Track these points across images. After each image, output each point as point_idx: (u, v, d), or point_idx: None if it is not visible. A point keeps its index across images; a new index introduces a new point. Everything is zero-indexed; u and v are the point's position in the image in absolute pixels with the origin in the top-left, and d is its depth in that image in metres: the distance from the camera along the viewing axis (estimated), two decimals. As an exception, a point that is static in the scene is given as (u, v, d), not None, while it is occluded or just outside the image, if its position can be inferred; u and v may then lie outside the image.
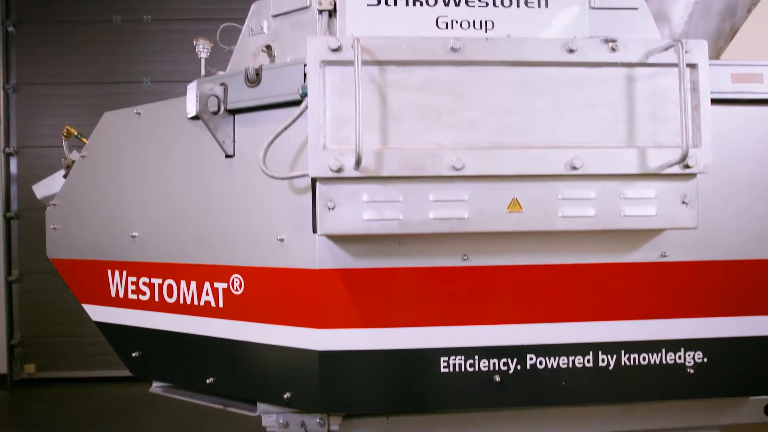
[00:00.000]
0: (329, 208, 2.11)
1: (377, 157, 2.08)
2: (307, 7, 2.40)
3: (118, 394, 6.69)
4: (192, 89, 2.58)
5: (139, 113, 2.84)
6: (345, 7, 2.32)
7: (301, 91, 2.20)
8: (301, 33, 2.42)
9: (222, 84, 2.46)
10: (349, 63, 2.05)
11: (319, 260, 2.31)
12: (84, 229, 3.04)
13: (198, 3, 7.48)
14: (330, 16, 2.35)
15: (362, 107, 2.04)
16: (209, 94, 2.41)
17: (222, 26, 3.21)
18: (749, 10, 2.97)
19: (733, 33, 3.01)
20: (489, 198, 2.15)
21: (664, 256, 2.40)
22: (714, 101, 2.30)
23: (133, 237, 2.82)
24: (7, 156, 7.43)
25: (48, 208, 3.20)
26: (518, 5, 2.37)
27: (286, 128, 2.21)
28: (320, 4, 2.31)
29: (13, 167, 7.47)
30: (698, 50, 2.18)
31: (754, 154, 2.45)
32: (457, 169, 2.09)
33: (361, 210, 2.12)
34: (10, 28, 7.41)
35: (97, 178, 2.98)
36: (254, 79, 2.38)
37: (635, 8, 2.45)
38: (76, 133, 3.48)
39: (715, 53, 3.04)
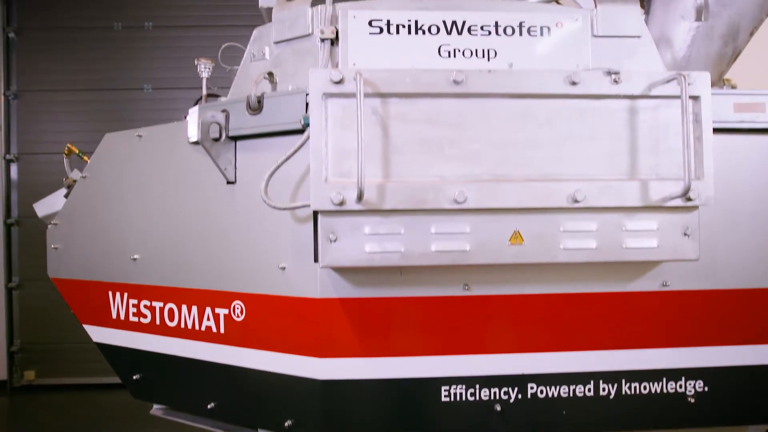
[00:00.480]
0: (331, 241, 2.11)
1: (379, 190, 2.08)
2: (309, 35, 2.39)
3: (118, 401, 6.68)
4: (193, 114, 2.58)
5: (140, 135, 2.84)
6: (347, 36, 2.32)
7: (303, 122, 2.20)
8: (303, 60, 2.42)
9: (224, 110, 2.46)
10: (351, 95, 2.05)
11: (321, 289, 2.31)
12: (85, 249, 3.04)
13: (199, 10, 7.48)
14: (332, 44, 2.34)
15: (364, 140, 2.04)
16: (211, 121, 2.41)
17: (223, 46, 3.20)
18: (751, 34, 2.96)
19: (735, 56, 3.00)
20: (491, 230, 2.14)
21: (666, 285, 2.40)
22: (716, 130, 2.31)
23: (134, 259, 2.82)
24: (8, 162, 7.43)
25: (49, 227, 3.20)
26: (521, 34, 2.36)
27: (287, 159, 2.21)
28: (322, 32, 2.31)
29: (14, 174, 7.47)
30: (701, 82, 2.18)
31: (756, 183, 2.45)
32: (459, 203, 2.08)
33: (363, 242, 2.12)
34: (11, 35, 7.40)
35: (98, 199, 2.98)
36: (256, 106, 2.37)
37: (638, 36, 2.44)
38: (77, 151, 3.48)
39: (717, 76, 3.03)
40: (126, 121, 7.45)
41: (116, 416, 6.32)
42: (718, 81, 3.09)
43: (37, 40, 7.45)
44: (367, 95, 2.08)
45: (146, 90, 7.40)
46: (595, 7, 2.45)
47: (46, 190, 7.34)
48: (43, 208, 3.38)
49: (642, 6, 3.15)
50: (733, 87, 3.57)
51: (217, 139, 2.46)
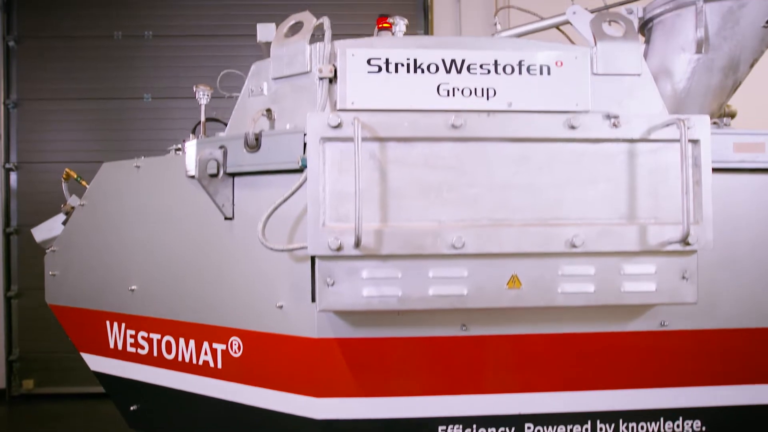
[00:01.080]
0: (328, 284, 2.11)
1: (377, 236, 2.07)
2: (307, 72, 2.38)
3: (117, 411, 6.69)
4: (191, 148, 2.57)
5: (138, 166, 2.83)
6: (346, 74, 2.31)
7: (300, 163, 2.19)
8: (301, 97, 2.41)
9: (221, 147, 2.45)
10: (349, 140, 2.05)
11: (318, 329, 2.30)
12: (83, 277, 3.03)
13: (199, 19, 7.44)
14: (331, 82, 2.33)
15: (362, 185, 2.04)
16: (209, 159, 2.40)
17: (222, 73, 3.19)
18: (752, 65, 2.94)
19: (736, 87, 2.99)
20: (488, 274, 2.14)
21: (664, 325, 2.39)
22: (716, 170, 2.30)
23: (132, 290, 2.82)
24: (7, 171, 7.40)
25: (47, 253, 3.20)
26: (520, 72, 2.35)
27: (285, 200, 2.20)
28: (321, 71, 2.30)
29: (14, 182, 7.45)
30: (700, 126, 2.17)
31: (755, 222, 2.44)
32: (457, 248, 2.08)
33: (360, 286, 2.11)
34: (11, 43, 7.37)
35: (96, 228, 2.97)
36: (254, 144, 2.37)
37: (638, 74, 2.43)
38: (75, 176, 3.47)
39: (718, 107, 3.02)
40: (126, 131, 7.44)
41: (115, 426, 6.32)
42: (718, 111, 3.08)
43: (37, 48, 7.43)
44: (365, 139, 2.07)
45: (146, 99, 7.38)
46: (595, 44, 2.43)
47: (46, 199, 7.37)
48: (41, 233, 3.38)
49: (642, 33, 3.15)
50: (733, 114, 3.58)
51: (215, 175, 2.46)
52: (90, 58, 7.45)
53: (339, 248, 2.05)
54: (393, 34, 3.09)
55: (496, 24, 3.62)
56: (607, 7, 3.41)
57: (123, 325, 2.87)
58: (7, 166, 7.42)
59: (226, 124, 3.03)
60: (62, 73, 7.46)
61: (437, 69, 2.33)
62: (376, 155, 2.10)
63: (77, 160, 7.37)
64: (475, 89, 2.34)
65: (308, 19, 2.44)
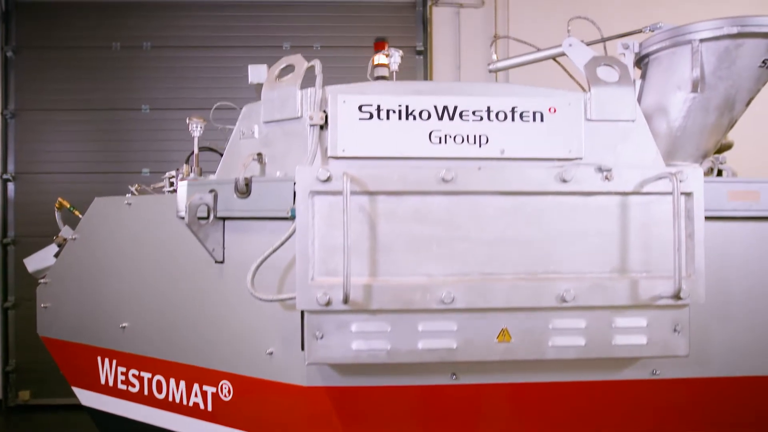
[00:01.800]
0: (317, 338, 2.09)
1: (366, 290, 2.06)
2: (298, 117, 2.36)
3: None
4: (182, 189, 2.55)
5: (129, 204, 2.81)
6: (336, 121, 2.29)
7: (290, 213, 2.17)
8: (292, 141, 2.40)
9: (212, 191, 2.43)
10: (338, 193, 2.03)
11: (308, 377, 2.29)
12: (74, 311, 3.02)
13: (198, 31, 7.43)
14: (322, 128, 2.32)
15: (351, 238, 2.02)
16: (199, 204, 2.38)
17: (215, 105, 3.17)
18: (747, 104, 2.92)
19: (731, 125, 2.97)
20: (478, 328, 2.13)
21: (656, 374, 2.38)
22: (711, 218, 2.29)
23: (123, 327, 2.80)
24: (5, 182, 7.40)
25: (39, 285, 3.19)
26: (513, 119, 2.34)
27: (274, 251, 2.18)
28: (311, 118, 2.28)
29: (11, 193, 7.44)
30: (693, 178, 2.15)
31: (749, 270, 2.43)
32: (447, 303, 2.06)
33: (349, 340, 2.10)
34: (9, 54, 7.36)
35: (88, 263, 2.96)
36: (244, 190, 2.35)
37: (632, 120, 2.41)
38: (68, 206, 3.46)
39: (714, 145, 3.00)
40: (124, 142, 7.43)
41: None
42: (714, 148, 3.07)
43: (35, 59, 7.42)
44: (354, 193, 2.05)
45: (144, 111, 7.37)
46: (589, 89, 2.41)
47: (44, 209, 7.34)
48: (33, 263, 3.37)
49: (638, 66, 3.13)
50: (729, 146, 3.56)
51: (205, 217, 2.44)
52: (88, 68, 7.44)
53: (328, 303, 2.03)
54: (388, 69, 3.09)
55: (492, 54, 3.59)
56: (603, 40, 3.40)
57: (114, 361, 2.85)
58: (5, 176, 7.42)
59: (220, 153, 3.02)
60: (60, 84, 7.46)
61: (429, 116, 2.32)
62: (365, 209, 2.08)
63: (75, 170, 7.38)
64: (468, 136, 2.32)
65: (299, 63, 2.42)
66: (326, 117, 2.31)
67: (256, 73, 2.61)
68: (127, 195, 3.20)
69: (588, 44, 3.30)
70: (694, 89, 2.79)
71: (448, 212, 2.11)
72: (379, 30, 7.36)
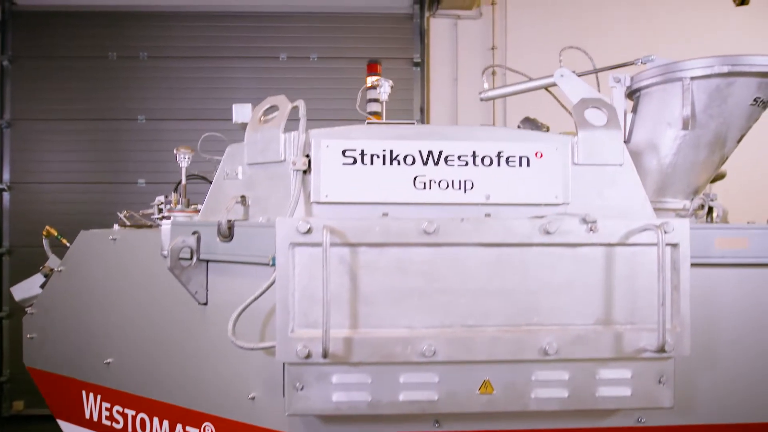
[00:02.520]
0: (297, 389, 2.08)
1: (346, 343, 2.03)
2: (282, 161, 2.34)
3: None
4: (166, 229, 2.53)
5: (114, 239, 2.79)
6: (320, 166, 2.27)
7: (271, 262, 2.15)
8: (276, 184, 2.37)
9: (195, 232, 2.41)
10: (319, 245, 2.00)
11: (290, 425, 2.27)
12: (60, 344, 3.01)
13: (194, 41, 7.41)
14: (305, 172, 2.29)
15: (332, 290, 2.00)
16: (182, 247, 2.36)
17: (203, 136, 3.15)
18: (739, 140, 2.89)
19: (723, 161, 2.95)
20: (460, 380, 2.11)
21: (641, 421, 2.36)
22: (698, 265, 2.27)
23: (108, 363, 2.79)
24: (0, 191, 7.39)
25: (25, 316, 3.17)
26: (499, 164, 2.31)
27: (255, 299, 2.16)
28: (294, 164, 2.25)
29: (6, 202, 7.44)
30: (680, 230, 2.12)
31: (736, 316, 2.40)
32: (428, 357, 2.04)
33: (330, 391, 2.08)
34: (6, 63, 7.35)
35: (73, 296, 2.95)
36: (227, 234, 2.33)
37: (620, 164, 2.38)
38: (56, 234, 3.44)
39: (705, 181, 2.98)
40: (120, 152, 7.42)
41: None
42: (706, 184, 3.04)
43: (31, 68, 7.40)
44: (335, 245, 2.03)
45: (140, 121, 7.35)
46: (576, 133, 2.39)
47: (39, 219, 7.33)
48: (20, 292, 3.36)
49: (630, 97, 3.10)
50: (722, 176, 3.53)
51: (188, 258, 2.42)
52: (84, 78, 7.43)
53: (308, 356, 2.01)
54: (379, 97, 3.06)
55: (484, 83, 3.56)
56: (596, 71, 3.37)
57: (99, 396, 2.84)
58: (0, 186, 7.41)
59: (209, 181, 2.99)
60: (56, 94, 7.45)
61: (414, 161, 2.29)
62: (346, 260, 2.06)
63: (71, 180, 7.37)
64: (453, 182, 2.30)
65: (283, 104, 2.39)
66: (309, 161, 2.28)
67: (241, 112, 2.58)
68: (114, 225, 3.19)
69: (580, 75, 3.27)
70: (685, 127, 2.76)
71: (430, 264, 2.08)
72: (376, 41, 7.34)
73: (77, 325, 2.93)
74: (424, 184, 2.29)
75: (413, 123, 2.66)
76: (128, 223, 3.52)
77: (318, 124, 7.57)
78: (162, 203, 3.51)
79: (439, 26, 7.44)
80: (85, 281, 2.90)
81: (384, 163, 2.28)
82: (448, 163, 2.30)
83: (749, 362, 2.41)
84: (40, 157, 7.39)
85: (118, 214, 3.50)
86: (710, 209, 2.91)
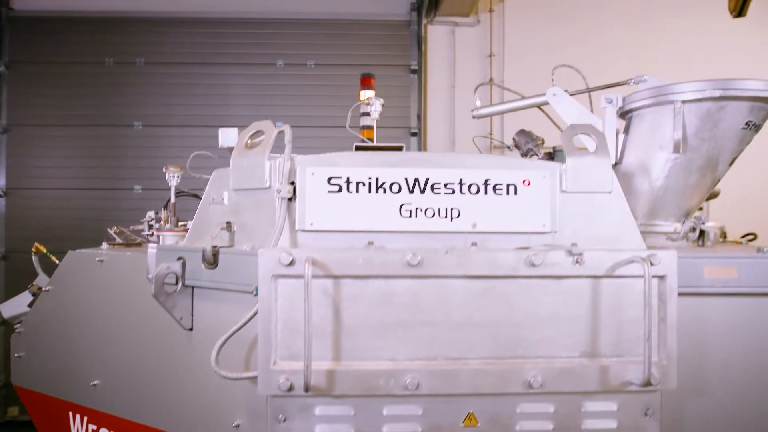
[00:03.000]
0: (279, 421, 2.06)
1: (329, 376, 2.02)
2: (267, 188, 2.32)
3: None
4: (152, 253, 2.52)
5: (101, 260, 2.78)
6: (305, 194, 2.25)
7: (254, 292, 2.13)
8: (262, 209, 2.35)
9: (180, 258, 2.40)
10: (301, 277, 1.99)
11: (274, 453, 2.25)
12: (47, 364, 3.00)
13: (191, 47, 7.40)
14: (290, 200, 2.27)
15: (315, 322, 1.99)
16: (166, 273, 2.35)
17: (192, 155, 3.13)
18: (731, 163, 2.87)
19: (715, 184, 2.92)
20: (444, 412, 2.09)
21: (628, 452, 2.33)
22: (687, 294, 2.25)
23: (94, 385, 2.78)
24: (-4, 197, 7.38)
25: (13, 335, 3.16)
26: (486, 192, 2.29)
27: (239, 329, 2.15)
28: (279, 192, 2.24)
29: (2, 208, 7.43)
30: (667, 261, 2.11)
31: (725, 346, 2.38)
32: (411, 390, 2.02)
33: (313, 423, 2.07)
34: (2, 68, 7.35)
35: (61, 316, 2.93)
36: (212, 261, 2.31)
37: (608, 192, 2.36)
38: (45, 251, 3.42)
39: (697, 203, 2.96)
40: (116, 158, 7.41)
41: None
42: (698, 206, 3.02)
43: (27, 74, 7.40)
44: (318, 277, 2.01)
45: (136, 127, 7.34)
46: (565, 160, 2.37)
47: (35, 225, 7.31)
48: (8, 309, 3.35)
49: (623, 117, 3.08)
50: (716, 195, 3.51)
51: (173, 283, 2.41)
52: (81, 84, 7.43)
53: (290, 389, 2.00)
54: (370, 115, 3.04)
55: (476, 100, 3.54)
56: (588, 90, 3.35)
57: (85, 418, 2.83)
58: (-4, 192, 7.38)
59: (199, 197, 2.97)
60: (53, 99, 7.44)
61: (400, 189, 2.27)
62: (329, 292, 2.04)
63: (67, 186, 7.36)
64: (439, 210, 2.28)
65: (269, 130, 2.37)
66: (295, 189, 2.26)
67: (227, 136, 2.57)
68: (103, 244, 3.17)
69: (572, 94, 3.25)
70: (676, 150, 2.74)
71: (414, 295, 2.07)
72: (373, 48, 7.31)
73: (65, 345, 2.92)
74: (410, 212, 2.27)
75: (401, 147, 2.64)
76: (118, 240, 3.51)
77: (314, 130, 7.56)
78: (152, 219, 3.50)
79: (436, 33, 7.42)
80: (73, 302, 2.88)
81: (370, 190, 2.26)
82: (435, 191, 2.28)
83: (738, 393, 2.39)
84: (36, 163, 7.38)
85: (108, 230, 3.49)
86: (702, 232, 2.88)
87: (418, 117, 7.33)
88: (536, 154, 3.53)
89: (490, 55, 7.34)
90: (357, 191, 2.27)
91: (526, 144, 3.58)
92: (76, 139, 7.39)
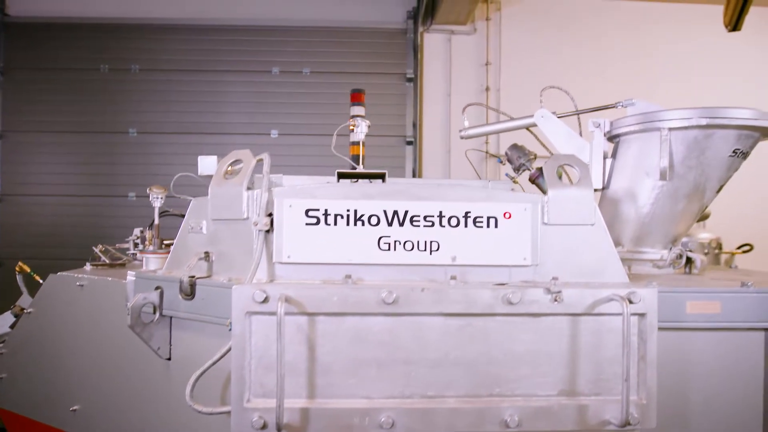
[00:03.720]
0: (254, 457, 2.03)
1: (303, 414, 2.00)
2: (245, 219, 2.29)
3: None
4: (131, 281, 2.50)
5: (81, 285, 2.76)
6: (282, 227, 2.22)
7: (229, 327, 2.11)
8: (240, 239, 2.33)
9: (158, 287, 2.38)
10: (275, 314, 1.96)
11: (250, 488, 2.23)
12: (28, 386, 2.98)
13: (186, 54, 7.38)
14: (268, 231, 2.25)
15: (289, 360, 1.97)
16: (143, 304, 2.33)
17: (176, 176, 3.11)
18: (718, 191, 2.84)
19: (702, 210, 2.89)
20: (420, 449, 2.06)
21: (609, 488, 2.31)
22: (668, 329, 2.23)
23: (74, 411, 2.76)
24: (-9, 203, 7.38)
25: (-5, 356, 3.15)
26: (466, 225, 2.26)
27: (213, 363, 2.12)
28: (256, 224, 2.21)
29: (-3, 214, 7.41)
30: (648, 299, 2.08)
31: (707, 381, 2.35)
32: (386, 428, 2.00)
33: (287, 459, 2.04)
34: (-3, 74, 7.32)
35: (42, 340, 2.92)
36: (189, 292, 2.29)
37: (591, 224, 2.33)
38: (28, 270, 3.40)
39: (685, 229, 2.92)
40: (111, 165, 7.40)
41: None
42: (685, 232, 2.99)
43: (22, 80, 7.40)
44: (292, 314, 1.99)
45: (131, 134, 7.32)
46: (546, 192, 2.34)
47: (29, 231, 7.29)
48: (-9, 329, 3.33)
49: (611, 140, 3.05)
50: (707, 216, 3.48)
51: (152, 312, 2.39)
52: (76, 90, 7.42)
53: (263, 427, 1.98)
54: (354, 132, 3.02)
55: (464, 120, 3.51)
56: (577, 113, 3.32)
57: (66, 443, 2.81)
58: (-9, 198, 7.38)
59: (182, 216, 2.94)
60: (48, 106, 7.44)
61: (378, 221, 2.24)
62: (304, 329, 2.02)
63: (61, 193, 7.35)
64: (418, 242, 2.25)
65: (247, 159, 2.35)
66: (272, 222, 2.24)
67: (206, 164, 2.54)
68: (86, 265, 3.15)
69: (560, 116, 3.23)
70: (663, 177, 2.71)
71: (389, 333, 2.04)
72: (369, 56, 7.28)
73: (46, 369, 2.90)
74: (389, 245, 2.24)
75: (384, 174, 2.61)
76: (103, 258, 3.49)
77: (310, 138, 7.50)
78: (138, 237, 3.48)
79: (432, 41, 7.38)
80: (54, 326, 2.86)
81: (348, 223, 2.24)
82: (414, 223, 2.25)
83: (722, 427, 2.36)
84: (30, 169, 7.38)
85: (94, 249, 3.47)
86: (688, 260, 2.86)
87: (414, 125, 7.30)
88: (528, 169, 3.50)
89: (486, 64, 7.31)
90: (335, 224, 2.24)
91: (519, 159, 3.54)
92: (71, 145, 7.38)
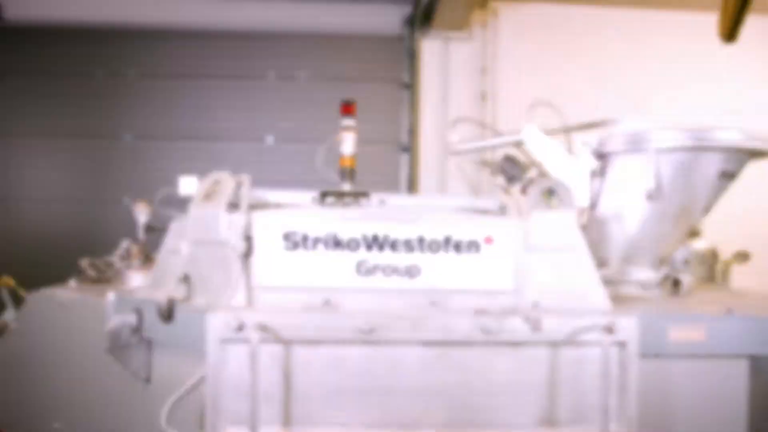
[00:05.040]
0: (228, 489, 2.02)
1: (278, 444, 1.98)
2: (224, 242, 2.27)
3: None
4: (111, 302, 2.48)
5: (62, 304, 2.74)
6: (261, 251, 2.20)
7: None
8: (219, 264, 2.30)
9: (137, 310, 2.36)
10: (250, 341, 1.95)
11: None
12: (10, 401, 2.98)
13: (182, 59, 7.35)
14: (247, 255, 2.23)
15: (264, 389, 1.96)
16: (121, 328, 2.31)
17: (161, 195, 3.09)
18: (707, 211, 2.82)
19: (690, 231, 2.87)
20: (397, 479, 2.04)
21: None
22: (651, 356, 2.20)
23: (56, 429, 2.74)
24: (-16, 208, 7.36)
25: (-22, 370, 3.13)
26: (447, 250, 2.24)
27: (188, 391, 2.11)
28: (234, 249, 2.19)
29: (-10, 219, 7.39)
30: (629, 328, 2.05)
31: (690, 410, 2.33)
32: (362, 458, 1.98)
33: (261, 491, 2.02)
34: (-9, 78, 7.30)
35: (24, 356, 2.90)
36: (167, 316, 2.27)
37: (573, 249, 2.31)
38: (12, 284, 3.39)
39: (672, 249, 2.90)
40: (106, 170, 7.38)
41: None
42: (673, 251, 2.97)
43: (17, 85, 7.36)
44: (267, 342, 1.97)
45: (126, 140, 7.30)
46: (529, 216, 2.31)
47: (23, 238, 7.27)
48: (-26, 343, 3.31)
49: (599, 158, 3.02)
50: (697, 233, 3.45)
51: (133, 334, 2.37)
52: (70, 95, 7.39)
53: (237, 457, 1.96)
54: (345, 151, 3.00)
55: (454, 135, 3.49)
56: (566, 129, 3.29)
57: (46, 461, 2.79)
58: (-16, 203, 7.36)
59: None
60: (42, 110, 7.41)
61: (358, 246, 2.22)
62: (279, 357, 2.00)
63: (55, 198, 7.33)
64: (398, 267, 2.23)
65: (226, 182, 2.33)
66: (250, 246, 2.22)
67: (186, 184, 2.52)
68: (71, 281, 3.14)
69: (548, 133, 3.20)
70: (650, 198, 2.69)
71: (367, 361, 2.02)
72: (365, 62, 7.25)
73: (27, 384, 2.88)
74: (368, 270, 2.22)
75: (367, 193, 2.60)
76: (89, 272, 3.46)
77: (305, 144, 7.45)
78: (125, 251, 3.45)
79: (429, 48, 7.35)
80: (36, 343, 2.85)
81: (327, 247, 2.22)
82: (394, 248, 2.23)
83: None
84: (24, 174, 7.36)
85: (79, 262, 3.44)
86: (676, 282, 2.83)
87: (410, 132, 7.27)
88: (520, 181, 3.47)
89: (483, 70, 7.28)
90: (314, 248, 2.22)
91: (511, 170, 3.52)
92: (66, 151, 7.36)
